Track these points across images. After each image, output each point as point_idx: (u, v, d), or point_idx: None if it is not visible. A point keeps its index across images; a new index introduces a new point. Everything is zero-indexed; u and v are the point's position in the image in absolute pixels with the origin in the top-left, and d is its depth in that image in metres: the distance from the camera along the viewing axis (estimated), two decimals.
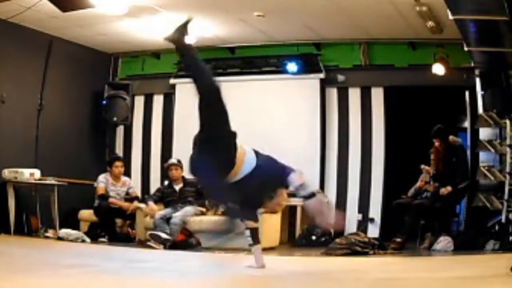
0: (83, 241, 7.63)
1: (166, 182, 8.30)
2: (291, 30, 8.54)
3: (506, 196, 7.23)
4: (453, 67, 8.12)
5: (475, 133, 8.04)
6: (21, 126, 8.52)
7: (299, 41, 9.01)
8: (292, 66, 8.95)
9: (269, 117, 9.07)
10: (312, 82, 8.98)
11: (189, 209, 7.71)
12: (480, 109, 7.88)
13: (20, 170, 7.86)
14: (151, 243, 7.14)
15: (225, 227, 6.18)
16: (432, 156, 7.69)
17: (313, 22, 8.19)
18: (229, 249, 6.93)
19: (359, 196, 8.73)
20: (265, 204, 4.79)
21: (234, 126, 4.51)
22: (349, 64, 9.00)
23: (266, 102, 9.18)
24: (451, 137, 7.63)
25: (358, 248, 6.69)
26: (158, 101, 9.86)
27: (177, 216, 7.48)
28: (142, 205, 7.97)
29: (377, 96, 8.82)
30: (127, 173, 9.06)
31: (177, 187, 7.99)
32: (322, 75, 8.94)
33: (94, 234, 7.89)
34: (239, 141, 4.56)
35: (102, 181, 8.21)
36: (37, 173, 7.99)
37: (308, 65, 8.95)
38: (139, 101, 9.91)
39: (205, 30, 8.49)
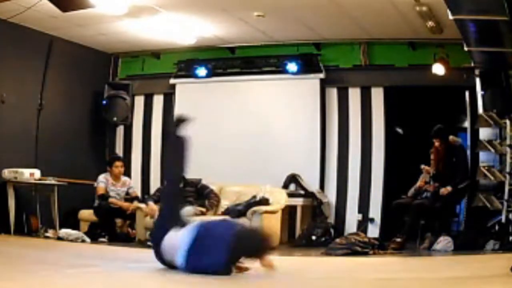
0: (83, 241, 7.62)
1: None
2: (291, 30, 8.54)
3: (506, 196, 7.24)
4: (453, 67, 8.12)
5: (475, 133, 8.05)
6: (21, 126, 8.52)
7: (299, 41, 9.01)
8: (292, 66, 8.95)
9: (269, 117, 9.08)
10: (312, 82, 8.98)
11: (189, 209, 7.69)
12: (480, 109, 7.88)
13: (20, 170, 7.86)
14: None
15: None
16: (432, 156, 7.69)
17: (313, 22, 8.18)
18: None
19: (359, 196, 8.73)
20: None
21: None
22: (349, 64, 9.00)
23: (266, 102, 9.19)
24: (451, 137, 7.63)
25: (358, 248, 6.69)
26: (158, 101, 9.85)
27: None
28: (142, 205, 7.96)
29: (377, 96, 8.81)
30: (127, 173, 9.05)
31: None
32: (322, 75, 8.94)
33: (94, 234, 7.88)
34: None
35: (102, 181, 8.21)
36: (37, 173, 7.99)
37: (308, 65, 8.95)
38: (139, 101, 9.90)
39: (205, 30, 8.50)
